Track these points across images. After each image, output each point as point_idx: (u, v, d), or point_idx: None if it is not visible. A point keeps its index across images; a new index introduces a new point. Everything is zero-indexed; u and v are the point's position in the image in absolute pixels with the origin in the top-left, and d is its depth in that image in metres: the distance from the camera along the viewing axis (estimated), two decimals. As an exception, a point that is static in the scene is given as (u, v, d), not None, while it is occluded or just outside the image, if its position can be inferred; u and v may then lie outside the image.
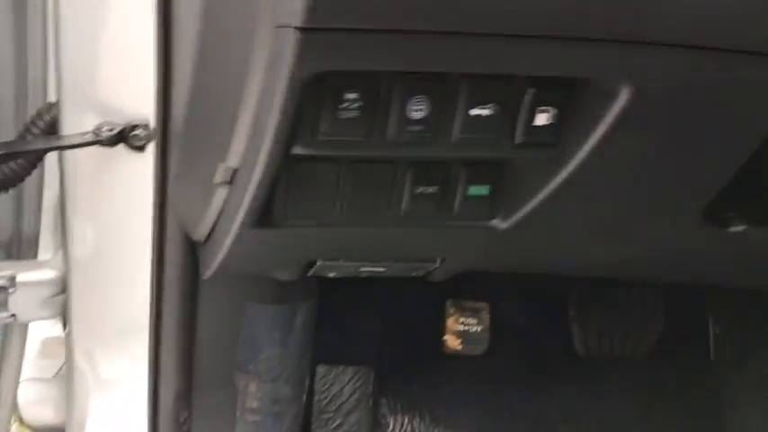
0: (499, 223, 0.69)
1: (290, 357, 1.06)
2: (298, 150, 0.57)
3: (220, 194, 0.68)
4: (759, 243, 0.76)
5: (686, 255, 0.78)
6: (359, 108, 0.54)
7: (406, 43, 0.49)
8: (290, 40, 0.47)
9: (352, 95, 0.54)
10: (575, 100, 0.58)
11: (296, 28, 0.46)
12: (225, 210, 0.66)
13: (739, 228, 0.72)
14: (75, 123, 0.91)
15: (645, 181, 0.63)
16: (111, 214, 0.96)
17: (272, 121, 0.52)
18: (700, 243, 0.74)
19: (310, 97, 0.53)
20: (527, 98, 0.57)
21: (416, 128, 0.56)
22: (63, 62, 0.88)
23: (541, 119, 0.58)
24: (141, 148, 0.93)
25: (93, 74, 0.89)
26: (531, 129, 0.59)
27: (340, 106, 0.54)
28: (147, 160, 0.92)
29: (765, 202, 0.73)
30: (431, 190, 0.65)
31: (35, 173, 1.03)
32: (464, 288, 1.11)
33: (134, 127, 0.92)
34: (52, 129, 0.97)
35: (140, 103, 0.88)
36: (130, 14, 0.83)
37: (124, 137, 0.92)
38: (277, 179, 0.62)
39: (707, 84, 0.55)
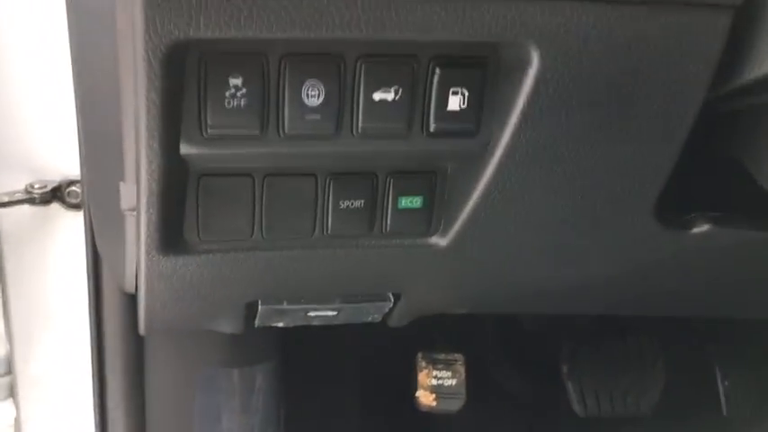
0: (438, 240, 0.63)
1: (254, 426, 0.98)
2: (186, 150, 0.52)
3: (131, 224, 0.63)
4: (729, 249, 0.69)
5: (652, 271, 0.71)
6: (246, 95, 0.50)
7: (269, 2, 0.45)
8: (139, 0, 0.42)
9: (236, 81, 0.49)
10: (486, 78, 0.53)
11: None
12: (137, 240, 0.61)
13: (703, 228, 0.66)
14: (8, 183, 0.87)
15: (579, 173, 0.57)
16: (49, 280, 0.91)
17: (143, 107, 0.47)
18: (661, 251, 0.67)
19: (191, 84, 0.49)
20: (435, 79, 0.53)
21: (314, 116, 0.52)
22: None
23: (454, 102, 0.53)
24: (78, 206, 0.89)
25: (22, 131, 0.86)
26: (445, 114, 0.54)
27: (226, 94, 0.50)
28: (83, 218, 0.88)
29: (730, 196, 0.67)
30: (357, 204, 0.60)
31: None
32: (437, 338, 1.04)
33: (70, 183, 0.89)
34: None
35: (76, 160, 0.85)
36: (52, 67, 0.81)
37: (60, 195, 0.88)
38: (184, 197, 0.57)
39: (617, 42, 0.50)
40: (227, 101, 0.50)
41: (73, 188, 0.88)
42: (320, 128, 0.53)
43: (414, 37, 0.48)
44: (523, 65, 0.51)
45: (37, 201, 0.86)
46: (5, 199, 0.85)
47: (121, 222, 0.66)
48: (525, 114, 0.53)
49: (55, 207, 0.88)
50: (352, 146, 0.54)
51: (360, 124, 0.53)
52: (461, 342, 1.03)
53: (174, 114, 0.49)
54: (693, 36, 0.51)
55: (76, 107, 0.59)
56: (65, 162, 0.88)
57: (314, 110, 0.52)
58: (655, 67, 0.52)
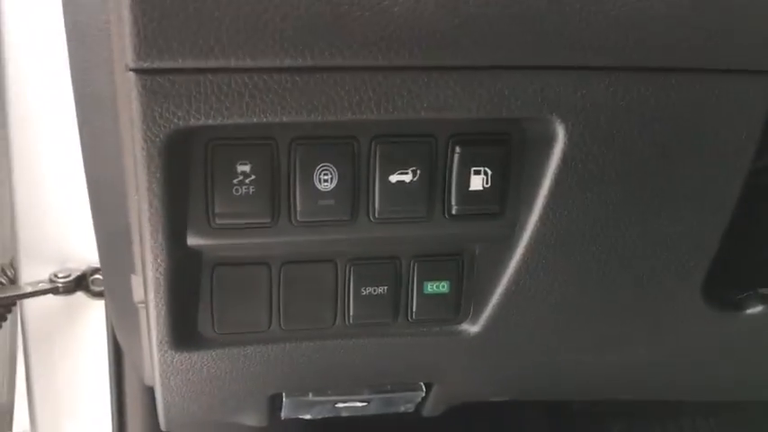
0: (469, 326, 0.59)
1: None
2: (194, 241, 0.49)
3: (144, 317, 0.60)
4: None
5: (703, 355, 0.65)
6: (255, 182, 0.47)
7: (274, 83, 0.42)
8: (134, 87, 0.40)
9: (244, 167, 0.47)
10: (510, 155, 0.50)
11: (134, 71, 0.40)
12: (149, 335, 0.58)
13: (756, 308, 0.60)
14: (34, 271, 0.86)
15: (615, 253, 0.53)
16: (74, 371, 0.89)
17: (144, 200, 0.45)
18: (711, 334, 0.62)
19: (196, 172, 0.47)
20: (455, 158, 0.50)
21: (328, 202, 0.49)
22: (17, 210, 0.85)
23: (476, 182, 0.50)
24: (102, 295, 0.87)
25: (50, 217, 0.85)
26: (467, 195, 0.51)
27: (234, 181, 0.47)
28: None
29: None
30: (379, 290, 0.56)
31: (7, 339, 0.98)
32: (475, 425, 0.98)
33: (94, 271, 0.87)
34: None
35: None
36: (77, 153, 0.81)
37: (84, 283, 0.87)
38: (197, 288, 0.54)
39: (649, 113, 0.47)
40: (234, 188, 0.48)
41: (97, 276, 0.86)
42: (335, 213, 0.50)
43: (429, 116, 0.45)
44: (548, 140, 0.48)
45: (61, 290, 0.84)
46: (29, 289, 0.83)
47: (137, 315, 0.63)
48: (553, 193, 0.50)
49: (79, 296, 0.86)
50: (369, 231, 0.51)
51: (377, 208, 0.50)
52: (503, 425, 0.97)
53: (178, 206, 0.46)
54: (733, 103, 0.47)
55: (89, 196, 0.57)
56: (90, 249, 0.87)
57: (327, 195, 0.49)
58: (691, 137, 0.48)
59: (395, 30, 0.42)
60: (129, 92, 0.41)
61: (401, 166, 0.49)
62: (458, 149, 0.49)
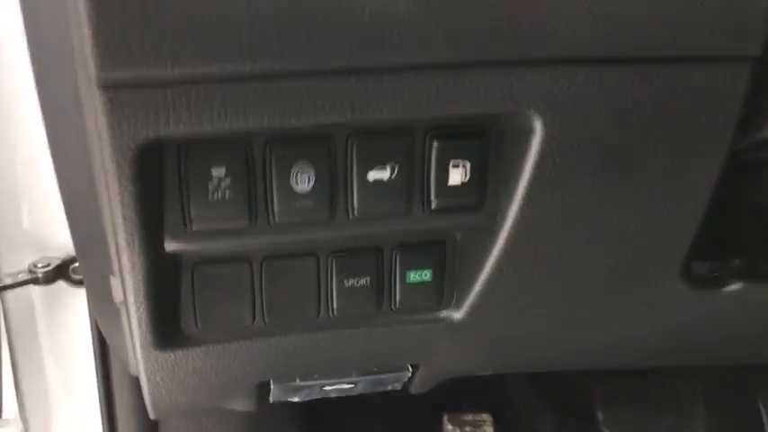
0: (452, 313, 0.59)
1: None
2: (171, 246, 0.49)
3: (125, 317, 0.60)
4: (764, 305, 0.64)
5: (684, 330, 0.66)
6: (231, 186, 0.47)
7: (244, 91, 0.42)
8: (98, 100, 0.39)
9: (219, 171, 0.46)
10: (488, 148, 0.49)
11: (98, 84, 0.39)
12: (131, 335, 0.58)
13: (735, 286, 0.61)
14: (13, 261, 0.85)
15: (596, 241, 0.53)
16: (60, 361, 0.88)
17: (118, 212, 0.44)
18: (691, 312, 0.62)
19: (170, 177, 0.46)
20: (433, 152, 0.49)
21: (306, 202, 0.48)
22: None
23: (455, 176, 0.50)
24: (83, 283, 0.87)
25: (27, 205, 0.84)
26: (446, 189, 0.50)
27: (209, 185, 0.46)
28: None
29: (763, 251, 0.62)
30: (362, 281, 0.56)
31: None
32: (463, 397, 0.99)
33: (74, 259, 0.86)
34: None
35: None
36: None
37: (65, 272, 0.86)
38: (178, 287, 0.53)
39: (626, 103, 0.46)
40: (210, 193, 0.47)
41: (78, 264, 0.86)
42: (313, 214, 0.49)
43: (404, 116, 0.44)
44: (526, 133, 0.48)
45: (41, 280, 0.83)
46: (9, 281, 0.82)
47: (119, 310, 0.63)
48: (533, 184, 0.49)
49: (60, 285, 0.85)
50: (349, 229, 0.51)
51: (356, 207, 0.50)
52: (492, 391, 0.98)
53: (153, 214, 0.46)
54: (710, 90, 0.47)
55: (61, 197, 0.56)
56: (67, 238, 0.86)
57: (304, 195, 0.48)
58: (669, 125, 0.48)
59: (365, 31, 0.41)
60: (94, 105, 0.40)
61: (379, 163, 0.48)
62: (435, 144, 0.49)
